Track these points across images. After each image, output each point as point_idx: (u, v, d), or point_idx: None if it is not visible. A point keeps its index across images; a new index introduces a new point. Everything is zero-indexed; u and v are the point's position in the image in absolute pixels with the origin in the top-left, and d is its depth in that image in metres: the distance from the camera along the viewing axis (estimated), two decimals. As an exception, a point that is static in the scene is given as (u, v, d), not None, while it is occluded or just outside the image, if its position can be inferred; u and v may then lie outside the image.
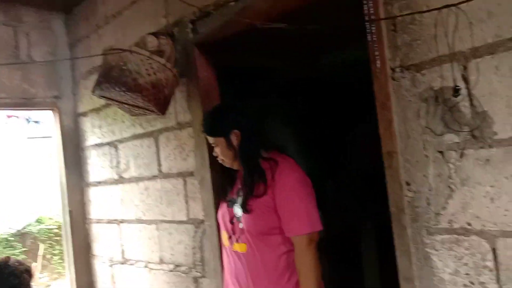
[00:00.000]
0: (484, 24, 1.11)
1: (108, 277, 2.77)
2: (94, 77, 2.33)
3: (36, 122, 6.57)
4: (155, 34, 1.96)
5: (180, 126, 2.10)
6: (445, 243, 1.19)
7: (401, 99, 1.28)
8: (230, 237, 1.65)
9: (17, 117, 6.39)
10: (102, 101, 2.50)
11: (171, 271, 2.24)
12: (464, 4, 1.11)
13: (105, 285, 2.80)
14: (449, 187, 1.18)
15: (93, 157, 2.83)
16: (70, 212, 2.87)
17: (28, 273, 1.84)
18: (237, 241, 1.62)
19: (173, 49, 1.95)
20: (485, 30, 1.11)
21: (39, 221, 6.14)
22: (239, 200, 1.61)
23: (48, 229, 6.03)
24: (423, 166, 1.23)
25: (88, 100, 2.79)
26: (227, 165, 1.67)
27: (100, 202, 2.80)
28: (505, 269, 1.08)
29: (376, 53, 1.32)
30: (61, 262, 5.54)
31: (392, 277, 1.41)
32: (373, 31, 1.33)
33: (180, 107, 2.09)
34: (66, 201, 2.89)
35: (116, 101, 1.91)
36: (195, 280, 2.10)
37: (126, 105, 1.93)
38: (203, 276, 2.06)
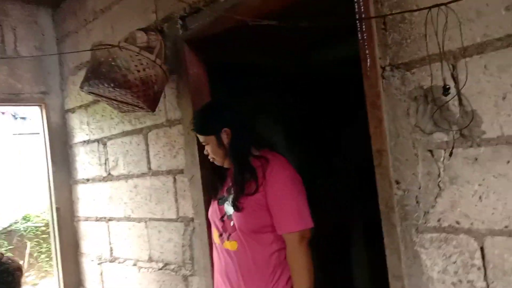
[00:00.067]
0: (473, 23, 1.12)
1: (96, 275, 2.74)
2: (82, 73, 2.30)
3: (23, 118, 6.48)
4: (145, 30, 1.94)
5: (170, 123, 2.09)
6: (434, 242, 1.19)
7: (391, 97, 1.28)
8: (220, 235, 1.65)
9: (3, 113, 6.29)
10: (91, 97, 2.47)
11: (160, 269, 2.23)
12: (454, 3, 1.12)
13: (94, 283, 2.78)
14: (438, 185, 1.18)
15: (81, 154, 2.79)
16: (58, 209, 2.84)
17: (20, 270, 1.83)
18: (227, 239, 1.61)
19: (163, 45, 1.93)
20: (474, 29, 1.12)
21: (26, 219, 6.06)
22: (230, 198, 1.60)
23: (35, 227, 5.96)
24: (413, 164, 1.24)
25: (76, 96, 2.75)
26: (218, 163, 1.66)
27: (89, 199, 2.77)
28: (493, 267, 1.10)
29: (367, 51, 1.32)
30: (48, 261, 5.48)
31: (381, 274, 1.42)
32: (363, 29, 1.33)
33: (170, 104, 2.07)
34: (53, 199, 2.85)
35: (105, 97, 1.89)
36: (185, 278, 2.09)
37: (115, 102, 1.91)
38: (192, 275, 2.05)
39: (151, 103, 1.88)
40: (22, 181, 6.45)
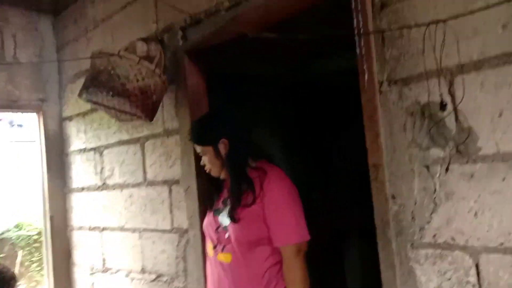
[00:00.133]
0: (470, 40, 1.13)
1: (88, 286, 2.71)
2: (81, 81, 2.30)
3: (20, 125, 6.46)
4: (145, 40, 1.95)
5: (167, 133, 2.09)
6: (429, 258, 1.19)
7: (388, 112, 1.29)
8: (215, 247, 1.63)
9: (0, 119, 6.28)
10: (88, 106, 2.47)
11: (153, 281, 2.20)
12: (451, 20, 1.13)
13: (85, 293, 2.74)
14: (434, 201, 1.18)
15: (77, 163, 2.78)
16: (51, 218, 2.81)
17: (14, 279, 1.83)
18: (222, 251, 1.60)
19: (163, 56, 1.94)
20: (471, 46, 1.13)
21: (18, 227, 5.99)
22: (226, 209, 1.59)
23: (28, 235, 5.89)
24: (409, 179, 1.24)
25: (74, 104, 2.75)
26: (215, 174, 1.65)
27: (83, 208, 2.74)
28: (488, 284, 1.09)
29: (365, 66, 1.34)
30: (40, 270, 5.40)
31: (375, 283, 1.41)
32: (362, 44, 1.35)
33: (168, 114, 2.07)
34: (47, 207, 2.83)
35: (103, 105, 1.88)
36: (177, 290, 2.07)
37: (113, 110, 1.90)
38: (185, 287, 2.02)
39: (149, 113, 1.88)
40: (17, 189, 6.40)
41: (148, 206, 2.21)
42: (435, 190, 1.18)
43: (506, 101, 1.07)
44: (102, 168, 2.55)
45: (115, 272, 2.47)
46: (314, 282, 1.52)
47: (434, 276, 1.18)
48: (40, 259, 5.16)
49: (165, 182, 2.11)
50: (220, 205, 1.65)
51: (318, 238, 1.54)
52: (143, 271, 2.26)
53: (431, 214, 1.18)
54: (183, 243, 2.02)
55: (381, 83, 1.30)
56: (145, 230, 2.24)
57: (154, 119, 1.97)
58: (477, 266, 1.10)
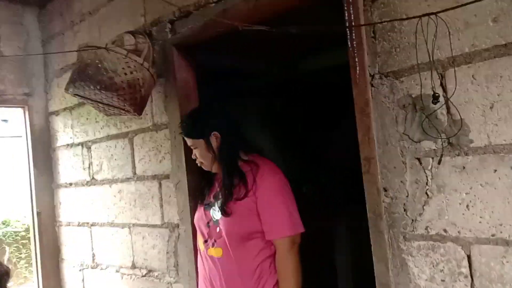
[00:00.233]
0: (462, 33, 1.14)
1: (78, 282, 2.68)
2: (67, 75, 2.26)
3: (5, 120, 6.34)
4: (133, 33, 1.92)
5: (156, 127, 2.06)
6: (422, 250, 1.20)
7: (380, 105, 1.29)
8: (205, 241, 1.63)
9: (-16, 115, 6.15)
10: (75, 100, 2.43)
11: (143, 276, 2.18)
12: (443, 13, 1.13)
13: (74, 290, 2.71)
14: (426, 193, 1.19)
15: (64, 158, 2.74)
16: (39, 214, 2.77)
17: (7, 275, 1.80)
18: (212, 245, 1.59)
19: (151, 49, 1.91)
20: (462, 39, 1.13)
21: (5, 224, 5.91)
22: (218, 203, 1.58)
23: (15, 231, 5.81)
24: (401, 172, 1.24)
25: (61, 98, 2.70)
26: (206, 168, 1.64)
27: (71, 204, 2.71)
28: (479, 275, 1.10)
29: (356, 59, 1.33)
30: (28, 267, 5.34)
31: (365, 278, 1.42)
32: (353, 37, 1.34)
33: (157, 108, 2.05)
34: (34, 203, 2.78)
35: (91, 99, 1.85)
36: (169, 285, 2.05)
37: (100, 104, 1.87)
38: (177, 282, 2.01)
39: (138, 107, 1.86)
40: (3, 185, 6.30)
41: (137, 201, 2.19)
42: (427, 182, 1.19)
43: (497, 93, 1.08)
44: (90, 163, 2.51)
45: (105, 268, 2.44)
46: (304, 276, 1.53)
47: (426, 268, 1.19)
48: (28, 256, 5.10)
49: (154, 177, 2.09)
50: (211, 199, 1.65)
51: (308, 231, 1.54)
52: (133, 266, 2.24)
53: (423, 206, 1.19)
54: (174, 238, 2.00)
55: (372, 76, 1.30)
56: (135, 225, 2.22)
57: (143, 113, 1.95)
58: (469, 257, 1.12)
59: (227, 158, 1.57)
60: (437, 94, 1.13)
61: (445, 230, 1.15)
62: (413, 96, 1.22)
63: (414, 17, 1.16)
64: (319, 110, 3.11)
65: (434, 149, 1.18)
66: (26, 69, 2.79)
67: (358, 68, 1.32)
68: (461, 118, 1.13)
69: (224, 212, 1.53)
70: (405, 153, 1.23)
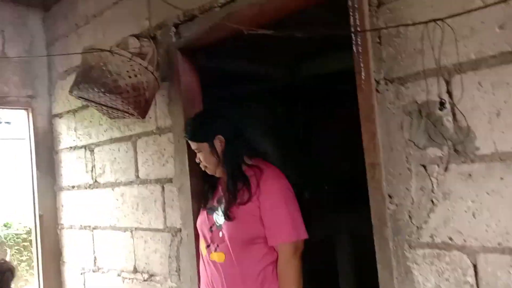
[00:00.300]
0: (468, 40, 1.13)
1: (79, 286, 2.67)
2: (71, 78, 2.26)
3: (8, 122, 6.36)
4: (137, 36, 1.92)
5: (160, 131, 2.06)
6: (427, 258, 1.18)
7: (385, 111, 1.28)
8: (208, 246, 1.62)
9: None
10: (79, 103, 2.43)
11: (145, 280, 2.17)
12: (449, 19, 1.12)
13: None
14: (431, 201, 1.18)
15: (67, 160, 2.74)
16: (41, 216, 2.76)
17: (11, 272, 1.81)
18: (215, 250, 1.58)
19: (155, 52, 1.91)
20: (469, 46, 1.13)
21: (7, 226, 5.91)
22: (221, 207, 1.57)
23: (16, 234, 5.81)
24: (406, 179, 1.23)
25: (64, 101, 2.71)
26: (210, 172, 1.63)
27: (73, 207, 2.70)
28: (486, 285, 1.09)
29: (361, 64, 1.32)
30: (29, 269, 5.33)
31: (368, 286, 1.41)
32: (358, 42, 1.33)
33: (161, 112, 2.04)
34: (37, 205, 2.78)
35: (95, 102, 1.85)
36: (170, 290, 2.04)
37: (104, 107, 1.87)
38: (178, 287, 2.00)
39: (142, 110, 1.85)
40: (5, 187, 6.30)
41: (140, 205, 2.19)
42: (432, 189, 1.17)
43: (504, 100, 1.07)
44: (93, 166, 2.51)
45: (107, 272, 2.43)
46: (305, 283, 1.52)
47: (431, 276, 1.17)
48: (29, 258, 5.09)
49: (157, 181, 2.08)
50: (215, 203, 1.64)
51: (310, 237, 1.53)
52: (135, 270, 2.23)
53: (428, 213, 1.18)
54: (176, 242, 1.99)
55: (377, 82, 1.29)
56: (137, 229, 2.21)
57: (147, 116, 1.95)
58: (475, 266, 1.10)
59: (231, 162, 1.56)
60: (443, 101, 1.12)
61: (450, 238, 1.14)
62: (419, 102, 1.21)
63: (420, 23, 1.15)
64: (322, 115, 3.10)
65: (440, 156, 1.17)
66: (30, 71, 2.80)
67: (363, 74, 1.32)
68: (467, 125, 1.12)
69: (227, 216, 1.52)
70: (411, 160, 1.22)
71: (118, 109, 1.85)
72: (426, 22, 1.11)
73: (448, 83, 1.15)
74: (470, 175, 1.11)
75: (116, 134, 2.32)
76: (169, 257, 2.03)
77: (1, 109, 2.96)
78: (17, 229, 5.87)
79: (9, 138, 6.31)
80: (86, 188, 2.57)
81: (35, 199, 2.78)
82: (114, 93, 1.74)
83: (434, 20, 1.11)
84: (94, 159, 2.50)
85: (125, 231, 2.29)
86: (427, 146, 1.19)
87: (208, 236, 1.62)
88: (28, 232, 5.26)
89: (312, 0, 1.56)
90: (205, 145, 1.58)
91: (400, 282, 1.23)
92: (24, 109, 2.81)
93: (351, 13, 1.35)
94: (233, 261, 1.53)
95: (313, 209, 2.91)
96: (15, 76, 2.73)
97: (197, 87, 1.98)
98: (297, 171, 3.01)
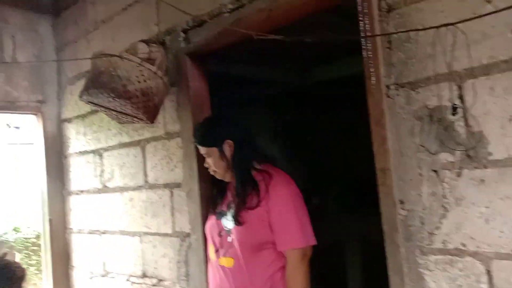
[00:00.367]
0: (479, 45, 1.12)
1: (87, 289, 2.68)
2: (80, 83, 2.28)
3: (16, 127, 6.40)
4: (146, 42, 1.93)
5: (169, 135, 2.06)
6: (439, 264, 1.17)
7: (395, 116, 1.28)
8: (217, 251, 1.62)
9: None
10: (88, 108, 2.45)
11: (154, 285, 2.17)
12: (460, 24, 1.12)
13: (83, 297, 2.71)
14: (443, 206, 1.17)
15: (76, 165, 2.75)
16: (50, 221, 2.78)
17: (22, 273, 1.84)
18: (224, 255, 1.58)
19: (164, 58, 1.92)
20: (480, 51, 1.12)
21: (16, 230, 5.94)
22: (230, 212, 1.57)
23: (25, 238, 5.84)
24: (417, 184, 1.22)
25: (74, 106, 2.72)
26: (219, 177, 1.64)
27: (82, 211, 2.71)
28: (500, 291, 1.07)
29: (371, 69, 1.32)
30: (37, 273, 5.35)
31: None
32: (368, 47, 1.33)
33: (169, 117, 2.05)
34: (46, 210, 2.79)
35: (104, 107, 1.87)
36: (179, 295, 2.04)
37: (114, 112, 1.89)
38: (187, 291, 2.00)
39: (151, 115, 1.86)
40: (14, 192, 6.35)
41: (149, 209, 2.19)
42: (444, 195, 1.17)
43: (516, 106, 1.06)
44: (102, 171, 2.52)
45: (116, 276, 2.44)
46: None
47: (444, 283, 1.16)
48: (38, 262, 5.11)
49: (166, 186, 2.09)
50: (224, 208, 1.64)
51: (319, 243, 1.52)
52: (144, 275, 2.23)
53: (440, 219, 1.17)
54: (184, 247, 1.99)
55: (388, 87, 1.29)
56: (146, 234, 2.21)
57: (155, 121, 1.95)
58: (488, 273, 1.09)
59: (241, 167, 1.56)
60: (456, 106, 1.11)
61: (463, 244, 1.13)
62: (430, 107, 1.20)
63: (431, 28, 1.15)
64: (330, 120, 3.10)
65: (452, 161, 1.16)
66: (39, 76, 2.82)
67: (373, 79, 1.31)
68: (479, 130, 1.11)
69: (237, 221, 1.52)
70: (422, 165, 1.21)
71: (127, 114, 1.87)
72: (437, 27, 1.11)
73: (460, 88, 1.15)
74: (482, 180, 1.10)
75: (125, 139, 2.33)
76: (178, 262, 2.03)
77: (11, 114, 2.98)
78: (26, 233, 5.90)
79: (18, 143, 6.36)
80: (95, 192, 2.58)
81: (45, 203, 2.80)
82: (123, 98, 1.75)
83: (446, 25, 1.10)
84: (103, 164, 2.51)
85: (133, 236, 2.30)
86: (439, 151, 1.18)
87: (217, 241, 1.62)
88: (37, 236, 5.28)
89: (322, 5, 1.56)
90: (214, 149, 1.58)
91: (412, 289, 1.22)
92: (34, 114, 2.83)
93: (361, 18, 1.35)
94: (242, 266, 1.52)
95: (322, 214, 2.90)
96: (25, 81, 2.75)
97: (205, 92, 1.98)
98: (306, 176, 3.01)
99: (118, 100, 1.76)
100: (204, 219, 1.79)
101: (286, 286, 1.50)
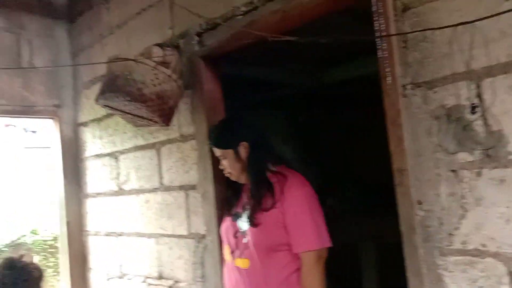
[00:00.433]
0: (497, 43, 1.11)
1: (104, 291, 2.71)
2: (96, 87, 2.31)
3: (33, 131, 6.51)
4: (161, 45, 1.95)
5: (184, 138, 2.08)
6: (459, 265, 1.16)
7: (412, 116, 1.27)
8: (232, 252, 1.62)
9: (14, 126, 6.33)
10: (104, 111, 2.48)
11: (170, 287, 2.19)
12: (478, 23, 1.10)
13: (101, 299, 2.74)
14: (462, 207, 1.15)
15: (92, 168, 2.79)
16: (68, 223, 2.82)
17: (40, 274, 1.88)
18: (239, 256, 1.58)
19: (179, 61, 1.93)
20: (498, 49, 1.11)
21: (34, 232, 6.04)
22: (245, 214, 1.58)
23: (43, 240, 5.93)
24: (435, 184, 1.21)
25: (89, 110, 2.76)
26: (234, 178, 1.64)
27: (99, 214, 2.75)
28: (521, 293, 1.06)
29: (387, 69, 1.31)
30: (55, 275, 5.43)
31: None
32: (384, 47, 1.32)
33: (184, 119, 2.07)
34: (64, 212, 2.83)
35: (120, 111, 1.89)
36: (195, 296, 2.05)
37: (129, 115, 1.91)
38: (203, 293, 2.01)
39: (166, 118, 1.88)
40: (32, 195, 6.45)
41: (164, 211, 2.21)
42: (463, 195, 1.15)
43: (536, 104, 1.05)
44: (118, 174, 2.55)
45: (132, 278, 2.46)
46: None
47: (464, 284, 1.15)
48: (55, 264, 5.18)
49: (181, 188, 2.10)
50: (239, 209, 1.64)
51: (334, 244, 1.52)
52: (160, 277, 2.25)
53: (459, 220, 1.15)
54: (200, 248, 2.00)
55: (404, 87, 1.28)
56: (161, 235, 2.23)
57: (170, 124, 1.97)
58: (510, 274, 1.07)
59: (256, 168, 1.56)
60: (475, 104, 1.10)
61: (483, 245, 1.11)
62: (447, 106, 1.19)
63: (449, 26, 1.13)
64: (344, 121, 3.08)
65: (471, 161, 1.14)
66: (56, 81, 2.87)
67: (389, 79, 1.30)
68: (499, 129, 1.09)
69: (252, 222, 1.52)
70: (440, 165, 1.20)
71: (143, 117, 1.88)
72: (454, 26, 1.09)
73: (478, 87, 1.13)
74: (503, 180, 1.09)
75: (141, 141, 2.35)
76: (194, 263, 2.04)
77: (28, 119, 3.04)
78: (44, 236, 5.99)
79: (35, 147, 6.46)
80: (111, 195, 2.61)
81: (62, 206, 2.84)
82: (139, 101, 1.77)
83: (463, 23, 1.09)
84: (119, 167, 2.54)
85: (149, 238, 2.32)
86: (457, 151, 1.17)
87: (232, 242, 1.62)
88: (55, 239, 5.35)
89: (335, 6, 1.55)
90: (229, 151, 1.59)
91: (431, 290, 1.21)
92: (51, 118, 2.88)
93: (376, 18, 1.34)
94: (257, 267, 1.52)
95: (337, 216, 2.89)
96: (42, 86, 2.80)
97: (219, 95, 2.00)
98: (320, 177, 2.99)
99: (133, 103, 1.77)
100: (219, 221, 1.80)
101: (301, 287, 1.49)
